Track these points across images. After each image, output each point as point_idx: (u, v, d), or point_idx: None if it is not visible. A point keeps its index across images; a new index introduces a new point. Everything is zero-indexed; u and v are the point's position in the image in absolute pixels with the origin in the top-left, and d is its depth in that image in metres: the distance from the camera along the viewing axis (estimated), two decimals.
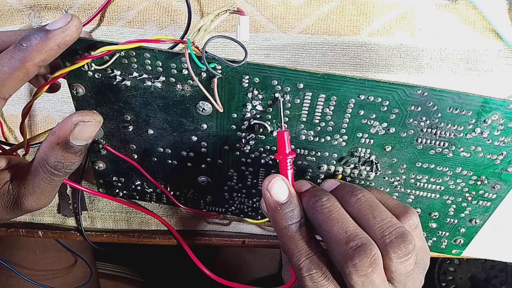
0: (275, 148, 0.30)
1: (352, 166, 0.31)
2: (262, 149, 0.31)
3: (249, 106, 0.28)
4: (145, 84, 0.28)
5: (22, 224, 0.41)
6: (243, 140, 0.30)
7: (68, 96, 0.32)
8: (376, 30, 0.32)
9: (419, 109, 0.27)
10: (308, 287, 0.24)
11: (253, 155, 0.31)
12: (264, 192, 0.26)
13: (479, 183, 0.30)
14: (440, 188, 0.31)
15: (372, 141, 0.29)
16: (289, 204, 0.26)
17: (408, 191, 0.32)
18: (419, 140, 0.28)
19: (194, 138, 0.31)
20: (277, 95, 0.27)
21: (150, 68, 0.27)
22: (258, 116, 0.29)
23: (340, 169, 0.31)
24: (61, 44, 0.23)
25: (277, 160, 0.27)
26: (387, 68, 0.33)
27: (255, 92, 0.27)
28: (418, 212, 0.33)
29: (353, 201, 0.26)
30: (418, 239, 0.26)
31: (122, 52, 0.26)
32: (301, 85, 0.26)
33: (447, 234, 0.34)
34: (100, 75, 0.28)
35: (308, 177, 0.32)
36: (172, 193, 0.35)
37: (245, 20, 0.25)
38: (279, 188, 0.26)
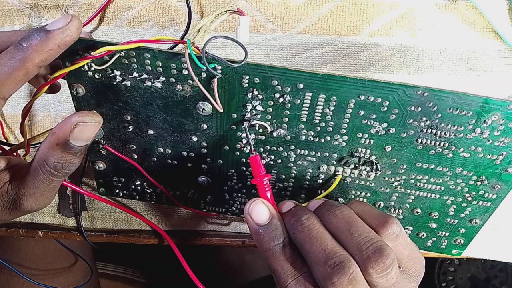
0: (275, 148, 0.30)
1: (352, 166, 0.31)
2: (262, 149, 0.30)
3: (249, 107, 0.28)
4: (145, 84, 0.28)
5: (22, 224, 0.41)
6: (243, 140, 0.30)
7: (68, 96, 0.32)
8: (376, 30, 0.32)
9: (419, 109, 0.27)
10: None
11: None
12: (246, 216, 0.26)
13: (479, 183, 0.30)
14: (440, 188, 0.31)
15: (372, 141, 0.29)
16: (270, 225, 0.26)
17: (408, 191, 0.32)
18: (419, 141, 0.28)
19: (194, 138, 0.31)
20: (247, 117, 0.28)
21: (150, 68, 0.27)
22: (258, 116, 0.29)
23: (340, 169, 0.31)
24: (61, 44, 0.23)
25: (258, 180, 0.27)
26: (387, 68, 0.33)
27: (255, 92, 0.27)
28: (418, 213, 0.33)
29: (331, 218, 0.26)
30: (404, 248, 0.26)
31: (122, 52, 0.26)
32: (301, 86, 0.26)
33: (447, 234, 0.34)
34: (100, 75, 0.28)
35: (308, 177, 0.32)
36: (172, 193, 0.35)
37: (245, 21, 0.25)
38: (259, 211, 0.26)
